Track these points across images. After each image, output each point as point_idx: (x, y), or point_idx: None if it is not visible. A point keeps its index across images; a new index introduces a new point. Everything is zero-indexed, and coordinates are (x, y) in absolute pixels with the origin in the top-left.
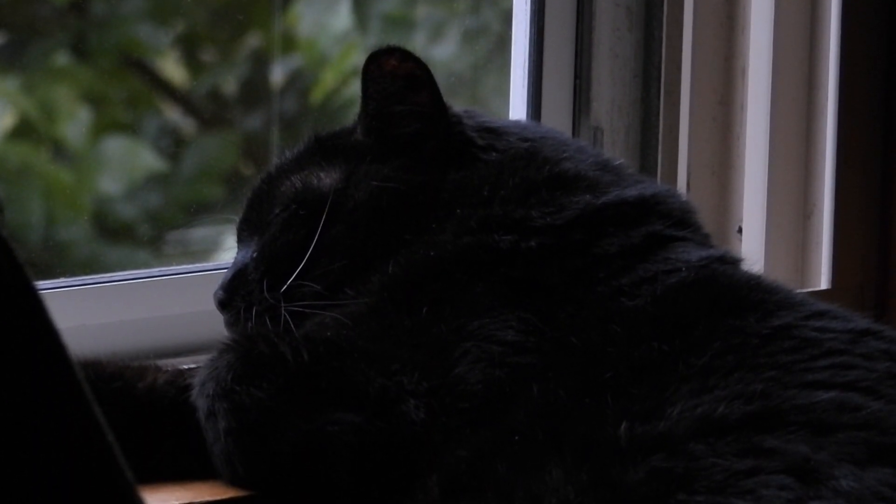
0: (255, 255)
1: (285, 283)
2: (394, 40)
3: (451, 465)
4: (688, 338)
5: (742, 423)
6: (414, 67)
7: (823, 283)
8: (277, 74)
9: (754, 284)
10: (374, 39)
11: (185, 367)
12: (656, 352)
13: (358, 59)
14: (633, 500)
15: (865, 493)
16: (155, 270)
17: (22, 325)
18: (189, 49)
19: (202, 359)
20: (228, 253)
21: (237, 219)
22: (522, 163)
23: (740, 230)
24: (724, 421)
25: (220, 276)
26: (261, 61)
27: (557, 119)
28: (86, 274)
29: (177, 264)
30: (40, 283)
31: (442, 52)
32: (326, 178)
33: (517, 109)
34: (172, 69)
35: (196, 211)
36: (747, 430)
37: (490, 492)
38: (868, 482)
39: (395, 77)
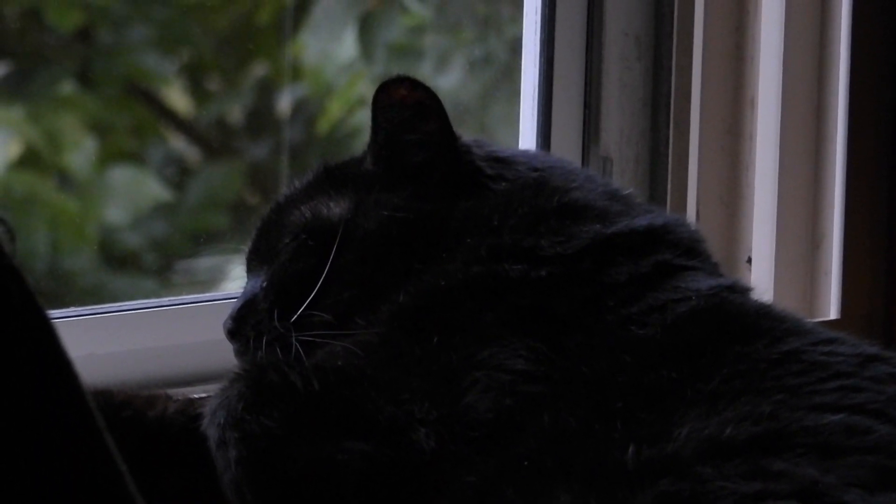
0: (264, 284)
1: (295, 313)
2: (400, 70)
3: (459, 490)
4: (697, 365)
5: (750, 445)
6: (423, 97)
7: (832, 312)
8: (284, 103)
9: (763, 313)
10: (380, 69)
11: (196, 396)
12: (666, 380)
13: (364, 88)
14: None
15: None
16: (165, 299)
17: (33, 353)
18: (194, 78)
19: (212, 388)
20: (236, 282)
21: (245, 248)
22: (531, 192)
23: (749, 260)
24: (732, 442)
25: (230, 306)
26: (266, 90)
27: (566, 149)
28: (91, 303)
29: (183, 293)
30: (50, 312)
31: (448, 82)
32: (336, 208)
33: (527, 139)
34: (178, 98)
35: (202, 240)
36: (755, 452)
37: None
38: None
39: (405, 106)
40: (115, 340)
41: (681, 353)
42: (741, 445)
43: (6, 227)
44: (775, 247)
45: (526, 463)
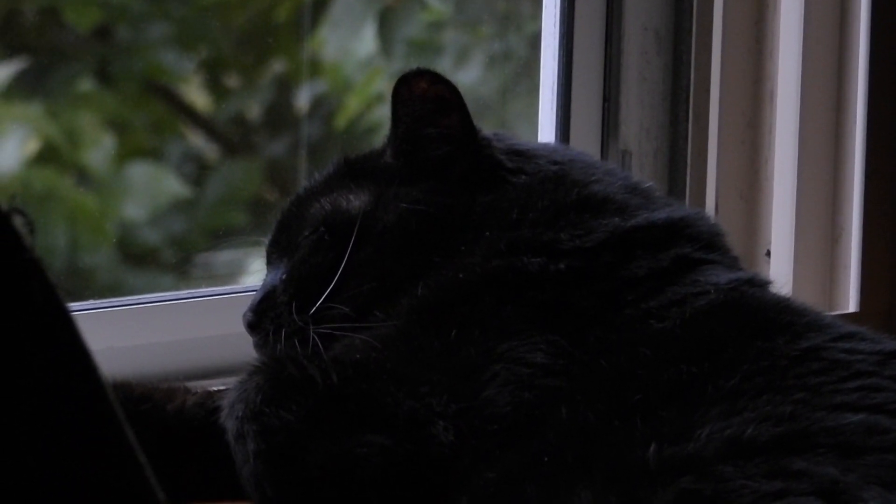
0: (284, 277)
1: (314, 306)
2: (419, 65)
3: (479, 486)
4: (717, 360)
5: (771, 445)
6: (444, 90)
7: (851, 306)
8: (302, 100)
9: (783, 307)
10: (399, 64)
11: (214, 389)
12: (685, 374)
13: (382, 84)
14: None
15: None
16: (184, 293)
17: (54, 345)
18: (213, 75)
19: (231, 381)
20: (255, 276)
21: (265, 241)
22: (551, 185)
23: (768, 253)
24: (753, 443)
25: (249, 299)
26: (284, 87)
27: (586, 142)
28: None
29: (202, 287)
30: (70, 305)
31: (467, 77)
32: (355, 201)
33: (546, 133)
34: (196, 95)
35: (221, 233)
36: (776, 452)
37: None
38: None
39: (425, 100)
40: (134, 333)
41: (700, 347)
42: (762, 446)
43: (26, 219)
44: (794, 240)
45: (546, 459)
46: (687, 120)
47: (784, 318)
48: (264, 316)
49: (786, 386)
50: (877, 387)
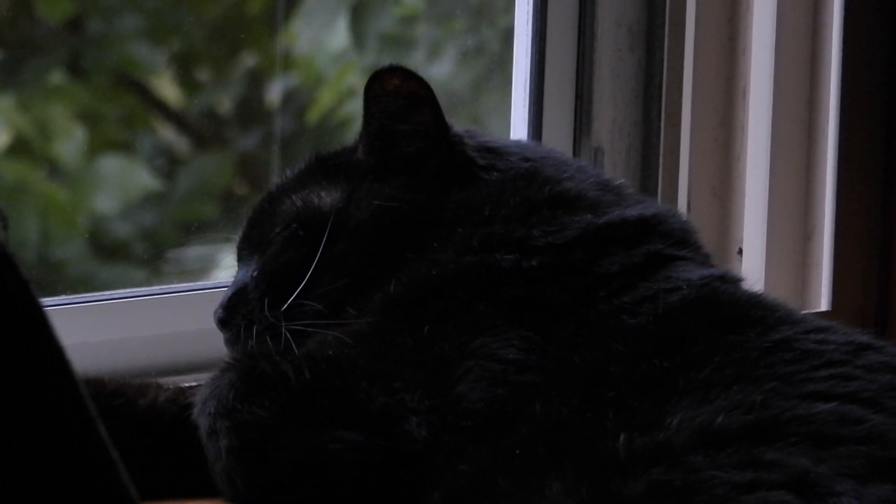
0: (255, 273)
1: (286, 302)
2: (391, 59)
3: (452, 480)
4: (688, 354)
5: (742, 434)
6: (416, 87)
7: (823, 304)
8: (274, 93)
9: (755, 302)
10: (372, 58)
11: (187, 385)
12: (658, 369)
13: (355, 78)
14: None
15: None
16: (156, 288)
17: (27, 341)
18: (185, 68)
19: (203, 377)
20: (227, 271)
21: (236, 237)
22: (523, 182)
23: (740, 251)
24: (724, 431)
25: (221, 295)
26: (256, 80)
27: (558, 139)
28: (81, 292)
29: (173, 283)
30: (42, 300)
31: (440, 71)
32: (327, 197)
33: (518, 129)
34: (168, 88)
35: (192, 230)
36: (747, 442)
37: None
38: (869, 498)
39: (398, 96)
40: (106, 329)
41: (672, 342)
42: (733, 434)
43: (0, 214)
44: (766, 238)
45: (518, 452)
46: (660, 117)
47: (756, 312)
48: (235, 312)
49: (757, 376)
50: (849, 376)
